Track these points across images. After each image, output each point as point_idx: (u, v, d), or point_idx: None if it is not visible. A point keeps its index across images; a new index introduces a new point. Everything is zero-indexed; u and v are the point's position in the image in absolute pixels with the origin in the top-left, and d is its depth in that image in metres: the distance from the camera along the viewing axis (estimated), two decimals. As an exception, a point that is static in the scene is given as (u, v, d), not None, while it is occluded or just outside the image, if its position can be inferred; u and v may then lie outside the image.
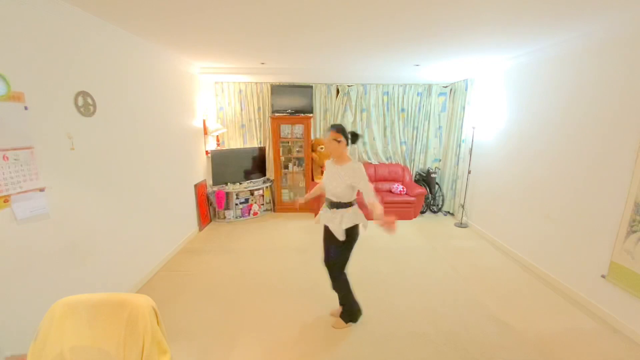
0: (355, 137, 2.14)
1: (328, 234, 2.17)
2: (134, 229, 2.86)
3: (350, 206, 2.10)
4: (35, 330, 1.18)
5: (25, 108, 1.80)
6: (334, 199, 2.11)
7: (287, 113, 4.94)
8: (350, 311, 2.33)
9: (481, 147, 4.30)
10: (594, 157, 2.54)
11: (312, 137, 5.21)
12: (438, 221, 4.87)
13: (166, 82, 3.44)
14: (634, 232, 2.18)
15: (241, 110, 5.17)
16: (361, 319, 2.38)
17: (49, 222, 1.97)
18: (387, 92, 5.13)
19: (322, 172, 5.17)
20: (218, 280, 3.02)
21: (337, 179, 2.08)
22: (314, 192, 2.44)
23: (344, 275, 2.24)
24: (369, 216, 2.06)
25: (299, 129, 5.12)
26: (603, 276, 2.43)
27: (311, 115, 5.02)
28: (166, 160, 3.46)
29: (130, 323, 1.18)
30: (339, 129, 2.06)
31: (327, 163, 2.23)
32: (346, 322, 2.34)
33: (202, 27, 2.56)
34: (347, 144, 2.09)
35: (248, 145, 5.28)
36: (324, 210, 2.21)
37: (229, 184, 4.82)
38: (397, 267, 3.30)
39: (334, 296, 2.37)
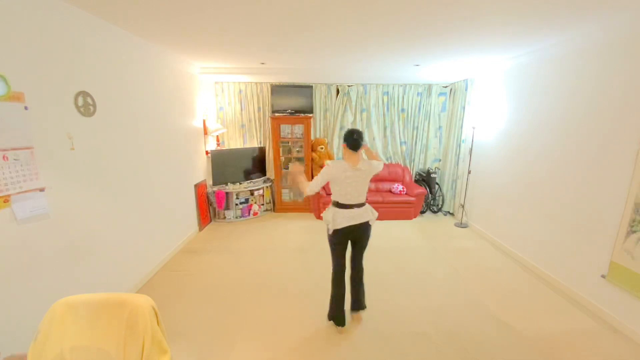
0: (347, 136, 2.16)
1: None
2: (134, 229, 2.86)
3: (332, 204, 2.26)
4: (35, 330, 1.18)
5: (25, 108, 1.80)
6: None
7: (287, 113, 4.94)
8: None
9: (481, 147, 4.30)
10: (594, 157, 2.54)
11: (312, 137, 5.21)
12: (438, 221, 4.87)
13: (166, 82, 3.44)
14: (634, 232, 2.18)
15: (241, 110, 5.16)
16: (330, 323, 2.36)
17: (49, 222, 1.97)
18: (387, 92, 5.13)
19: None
20: (218, 281, 3.02)
21: None
22: None
23: (333, 269, 2.31)
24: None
25: (299, 129, 5.11)
26: (603, 276, 2.43)
27: (311, 115, 5.01)
28: (166, 160, 3.46)
29: (130, 323, 1.18)
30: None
31: None
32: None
33: (202, 27, 2.56)
34: (347, 146, 2.18)
35: (248, 145, 5.27)
36: None
37: (229, 184, 4.82)
38: (397, 267, 3.30)
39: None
